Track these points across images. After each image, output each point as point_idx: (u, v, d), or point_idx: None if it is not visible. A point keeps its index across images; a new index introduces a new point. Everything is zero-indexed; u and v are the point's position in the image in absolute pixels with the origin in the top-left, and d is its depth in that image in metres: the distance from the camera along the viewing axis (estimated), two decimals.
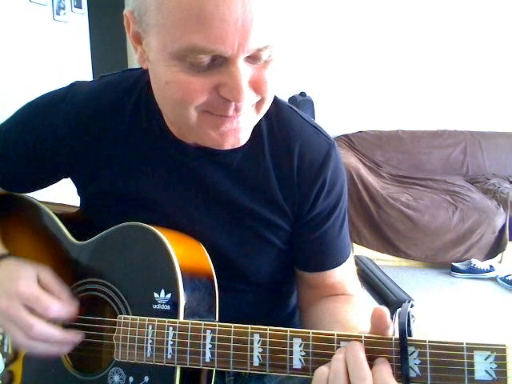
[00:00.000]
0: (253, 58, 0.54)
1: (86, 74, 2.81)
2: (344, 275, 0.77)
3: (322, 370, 0.51)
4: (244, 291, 0.75)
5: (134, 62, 3.55)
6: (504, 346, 0.46)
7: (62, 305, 0.64)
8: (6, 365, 0.72)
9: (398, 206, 2.71)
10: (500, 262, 2.77)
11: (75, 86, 0.73)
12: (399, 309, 0.51)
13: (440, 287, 2.64)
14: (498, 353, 0.47)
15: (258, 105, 0.60)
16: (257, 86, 0.56)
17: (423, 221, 2.69)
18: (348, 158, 2.91)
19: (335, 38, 3.28)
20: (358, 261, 1.20)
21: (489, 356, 0.47)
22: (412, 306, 0.52)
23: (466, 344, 0.48)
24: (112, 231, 0.69)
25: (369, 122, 3.39)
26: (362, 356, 0.49)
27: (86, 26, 2.78)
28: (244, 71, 0.53)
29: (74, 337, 0.65)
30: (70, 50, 2.60)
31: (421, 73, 3.31)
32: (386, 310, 0.51)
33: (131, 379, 0.62)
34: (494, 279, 2.70)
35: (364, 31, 3.26)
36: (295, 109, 0.74)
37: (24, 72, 2.18)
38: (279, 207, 0.71)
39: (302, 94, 3.26)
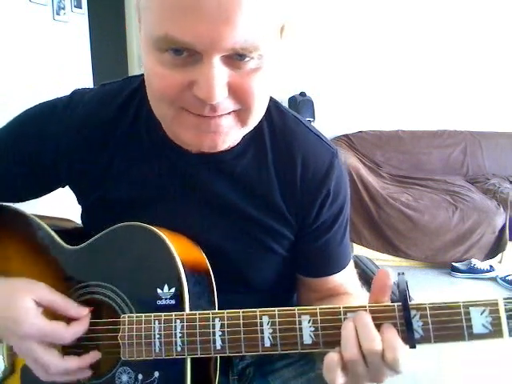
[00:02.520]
0: (234, 60, 0.51)
1: (86, 74, 2.81)
2: (345, 278, 0.77)
3: (331, 356, 0.53)
4: (244, 294, 0.75)
5: (133, 62, 3.54)
6: (496, 300, 0.51)
7: (73, 327, 0.63)
8: (3, 379, 0.71)
9: (397, 206, 2.71)
10: (500, 262, 2.77)
11: (76, 96, 0.72)
12: (396, 278, 0.55)
13: (440, 287, 2.64)
14: (492, 307, 0.51)
15: (242, 114, 0.57)
16: (238, 92, 0.54)
17: (423, 221, 2.69)
18: (348, 158, 2.91)
19: (335, 38, 3.29)
20: (358, 261, 1.20)
21: (484, 311, 0.51)
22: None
23: (462, 302, 0.52)
24: (107, 233, 0.68)
25: (369, 122, 3.39)
26: (370, 321, 0.53)
27: (86, 26, 2.78)
28: (218, 70, 0.50)
29: (92, 358, 0.64)
30: (69, 50, 2.60)
31: (421, 73, 3.31)
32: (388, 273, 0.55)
33: (140, 376, 0.62)
34: (494, 279, 2.70)
35: (364, 31, 3.26)
36: (299, 117, 0.73)
37: (24, 72, 2.18)
38: (281, 216, 0.70)
39: (302, 94, 3.26)
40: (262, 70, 0.54)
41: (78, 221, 0.81)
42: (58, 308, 0.64)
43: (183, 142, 0.61)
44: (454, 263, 2.74)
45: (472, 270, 2.70)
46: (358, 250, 2.77)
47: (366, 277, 1.09)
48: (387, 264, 2.76)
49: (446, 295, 2.55)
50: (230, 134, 0.59)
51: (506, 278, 2.64)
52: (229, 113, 0.56)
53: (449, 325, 0.52)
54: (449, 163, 3.28)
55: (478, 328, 0.51)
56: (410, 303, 0.53)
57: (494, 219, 2.68)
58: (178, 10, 0.47)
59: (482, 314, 0.51)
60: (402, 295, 0.53)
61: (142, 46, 0.56)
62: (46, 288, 0.65)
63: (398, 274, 0.55)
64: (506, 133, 3.30)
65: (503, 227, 2.69)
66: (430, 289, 2.60)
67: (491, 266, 2.72)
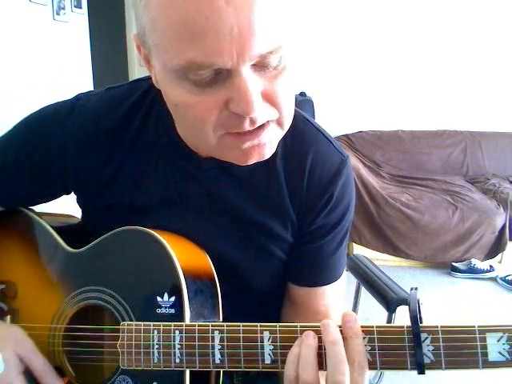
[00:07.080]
0: (260, 66, 0.50)
1: (85, 75, 2.81)
2: (330, 298, 0.75)
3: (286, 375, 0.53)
4: (243, 298, 0.74)
5: (133, 62, 3.55)
6: None
7: None
8: None
9: (398, 206, 2.71)
10: (500, 262, 2.77)
11: (81, 101, 0.70)
12: (410, 292, 0.51)
13: (440, 287, 2.64)
14: (510, 333, 0.47)
15: (279, 120, 0.56)
16: (271, 97, 0.52)
17: (423, 221, 2.69)
18: None
19: (335, 38, 3.29)
20: (357, 260, 1.20)
21: (501, 337, 0.47)
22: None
23: (478, 327, 0.48)
24: (108, 237, 0.67)
25: (369, 122, 3.39)
26: (312, 351, 0.52)
27: (86, 26, 2.78)
28: (251, 81, 0.49)
29: None
30: (69, 50, 2.60)
31: (421, 73, 3.31)
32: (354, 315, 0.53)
33: None
34: (494, 279, 2.70)
35: (364, 31, 3.26)
36: (309, 118, 0.72)
37: (24, 72, 2.18)
38: (288, 218, 0.69)
39: (302, 94, 3.26)
40: (287, 69, 0.53)
41: (80, 216, 0.80)
42: (35, 373, 0.63)
43: (229, 160, 0.60)
44: (454, 263, 2.74)
45: (472, 270, 2.70)
46: (358, 249, 2.77)
47: (365, 275, 1.09)
48: (387, 264, 2.76)
49: (446, 295, 2.55)
50: (273, 141, 0.59)
51: (506, 278, 2.64)
52: (267, 122, 0.55)
53: (462, 351, 0.48)
54: (449, 163, 3.28)
55: (493, 356, 0.47)
56: (421, 325, 0.49)
57: (494, 219, 2.68)
58: (196, 33, 0.46)
59: (498, 340, 0.47)
60: (412, 316, 0.49)
61: (160, 81, 0.55)
62: (32, 347, 0.64)
63: (411, 289, 0.51)
64: (506, 133, 3.30)
65: (503, 227, 2.69)
66: (429, 289, 2.60)
67: (491, 266, 2.72)
